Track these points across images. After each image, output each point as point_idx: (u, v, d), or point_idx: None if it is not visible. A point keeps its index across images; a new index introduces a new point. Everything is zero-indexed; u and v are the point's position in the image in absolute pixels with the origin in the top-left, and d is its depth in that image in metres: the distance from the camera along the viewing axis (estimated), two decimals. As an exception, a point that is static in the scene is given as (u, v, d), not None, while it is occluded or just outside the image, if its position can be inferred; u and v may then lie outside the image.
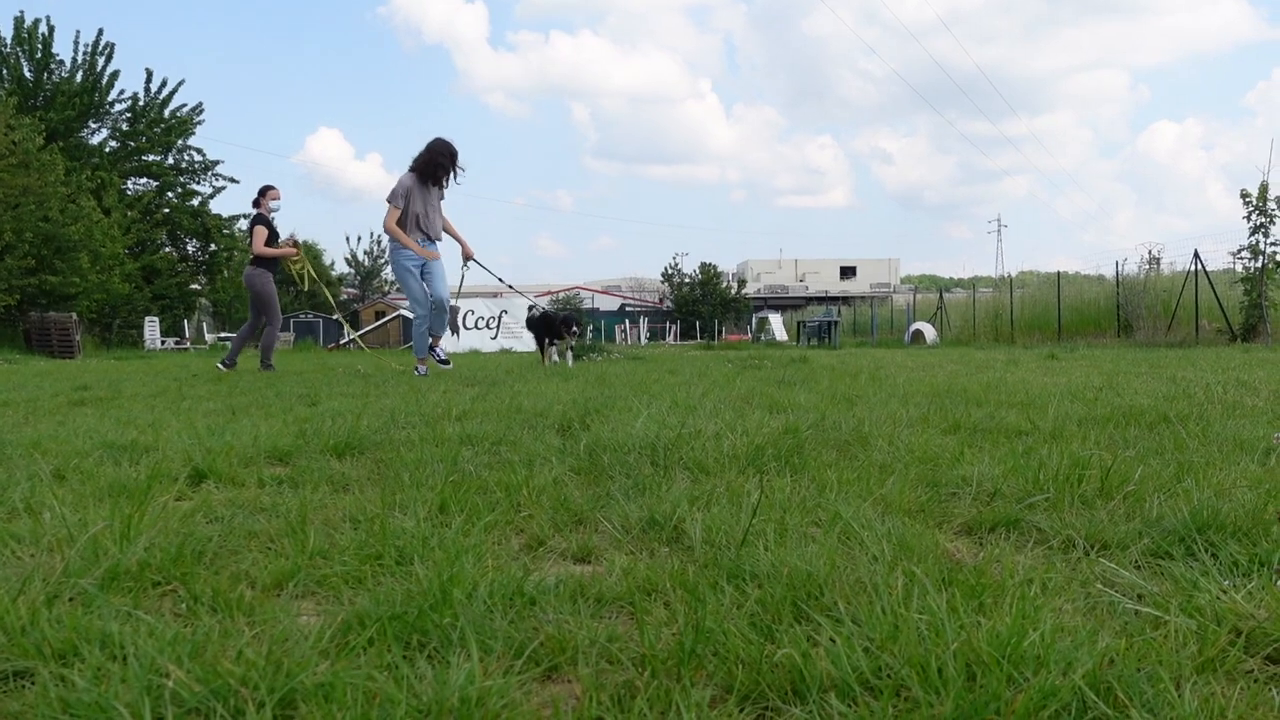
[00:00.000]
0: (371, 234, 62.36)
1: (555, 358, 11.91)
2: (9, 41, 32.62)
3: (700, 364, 11.57)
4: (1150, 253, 26.63)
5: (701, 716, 1.33)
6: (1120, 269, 25.95)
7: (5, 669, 1.49)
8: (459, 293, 11.96)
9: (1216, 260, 23.48)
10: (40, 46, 32.84)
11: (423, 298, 9.91)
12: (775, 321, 44.97)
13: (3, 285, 24.44)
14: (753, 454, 3.33)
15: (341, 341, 32.11)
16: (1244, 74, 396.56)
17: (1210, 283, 22.27)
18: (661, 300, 71.34)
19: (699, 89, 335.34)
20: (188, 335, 33.85)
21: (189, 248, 38.04)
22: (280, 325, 12.18)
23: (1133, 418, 4.34)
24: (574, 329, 11.77)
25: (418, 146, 9.98)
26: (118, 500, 2.66)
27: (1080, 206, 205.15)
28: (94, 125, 34.91)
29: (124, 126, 35.33)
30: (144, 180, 36.47)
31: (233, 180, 38.11)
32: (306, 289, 13.12)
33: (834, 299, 66.22)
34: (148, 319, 31.46)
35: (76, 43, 33.71)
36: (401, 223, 9.75)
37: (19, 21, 32.61)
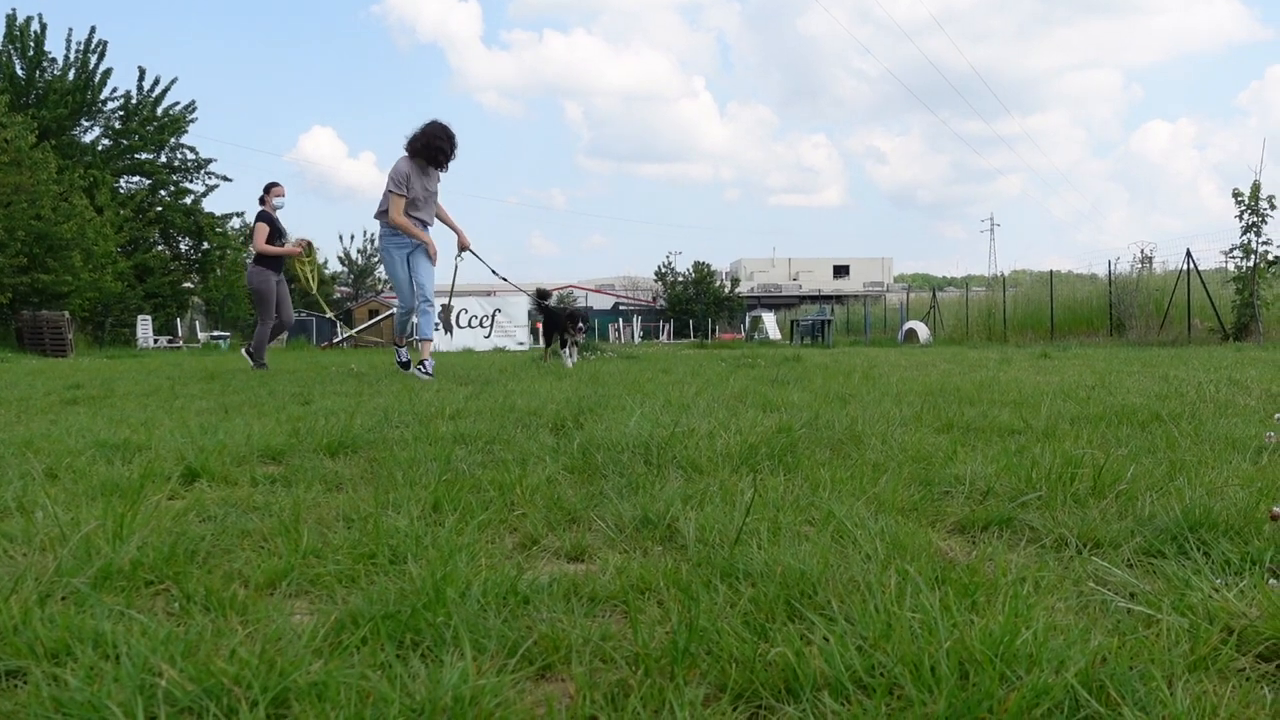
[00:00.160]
0: (365, 232, 62.20)
1: (563, 356, 11.39)
2: (1, 39, 32.51)
3: (694, 363, 11.57)
4: (1143, 252, 26.71)
5: (695, 715, 1.33)
6: (1113, 268, 26.02)
7: (-3, 668, 1.48)
8: (452, 289, 11.72)
9: (1209, 259, 23.63)
10: (32, 44, 32.73)
11: (408, 287, 9.33)
12: (769, 320, 44.95)
13: (-6, 284, 24.39)
14: (746, 453, 3.33)
15: (335, 340, 32.06)
16: (1237, 74, 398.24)
17: (1203, 282, 22.31)
18: (655, 299, 71.31)
19: (692, 87, 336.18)
20: (180, 334, 33.76)
21: (182, 246, 37.92)
22: (272, 323, 11.89)
23: (1125, 416, 4.35)
24: (579, 324, 11.15)
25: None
26: (110, 499, 2.65)
27: (1073, 206, 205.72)
28: (86, 123, 34.80)
29: (116, 125, 35.22)
30: (136, 178, 36.36)
31: (225, 179, 38.01)
32: (314, 290, 12.96)
33: (827, 298, 66.31)
34: (140, 318, 31.38)
35: (69, 40, 33.61)
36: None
37: (11, 19, 32.49)
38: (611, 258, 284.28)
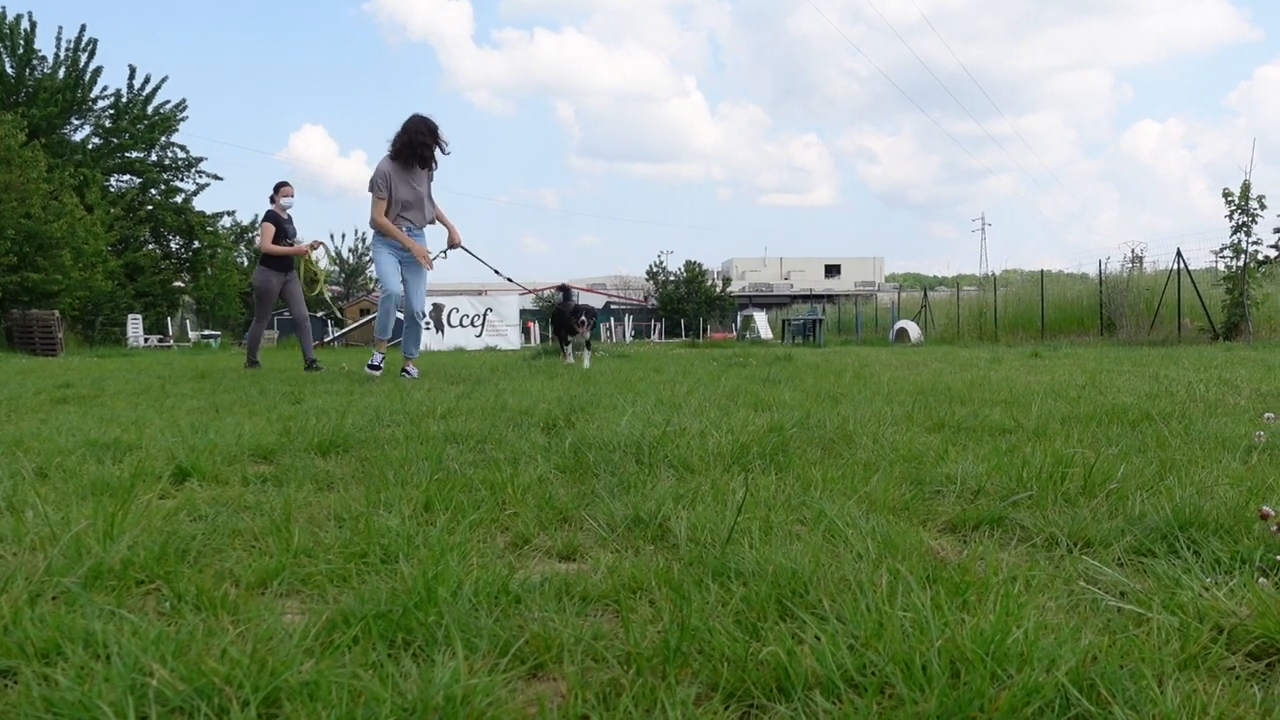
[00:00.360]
0: (356, 231, 62.05)
1: (567, 354, 11.00)
2: (-10, 37, 32.44)
3: (685, 362, 11.57)
4: (1133, 251, 26.77)
5: (687, 714, 1.33)
6: (1103, 268, 26.06)
7: (-13, 668, 1.48)
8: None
9: (1199, 259, 23.62)
10: (22, 42, 32.62)
11: (394, 277, 8.83)
12: (760, 319, 45.00)
13: (-16, 282, 24.32)
14: (738, 452, 3.33)
15: (326, 339, 32.00)
16: (1226, 74, 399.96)
17: (1193, 281, 22.37)
18: (646, 298, 71.25)
19: (684, 87, 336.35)
20: (171, 333, 33.70)
21: (172, 245, 37.88)
22: (266, 324, 11.82)
23: (1115, 416, 4.36)
24: (582, 319, 10.70)
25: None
26: (101, 498, 2.64)
27: (1064, 205, 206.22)
28: (76, 122, 34.73)
29: (107, 123, 35.15)
30: (127, 177, 36.31)
31: (216, 177, 37.99)
32: (316, 292, 12.87)
33: (819, 297, 66.26)
34: (131, 316, 31.31)
35: (59, 39, 33.54)
36: (386, 212, 8.69)
37: (0, 18, 32.39)
38: (603, 257, 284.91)
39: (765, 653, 1.46)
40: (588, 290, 75.29)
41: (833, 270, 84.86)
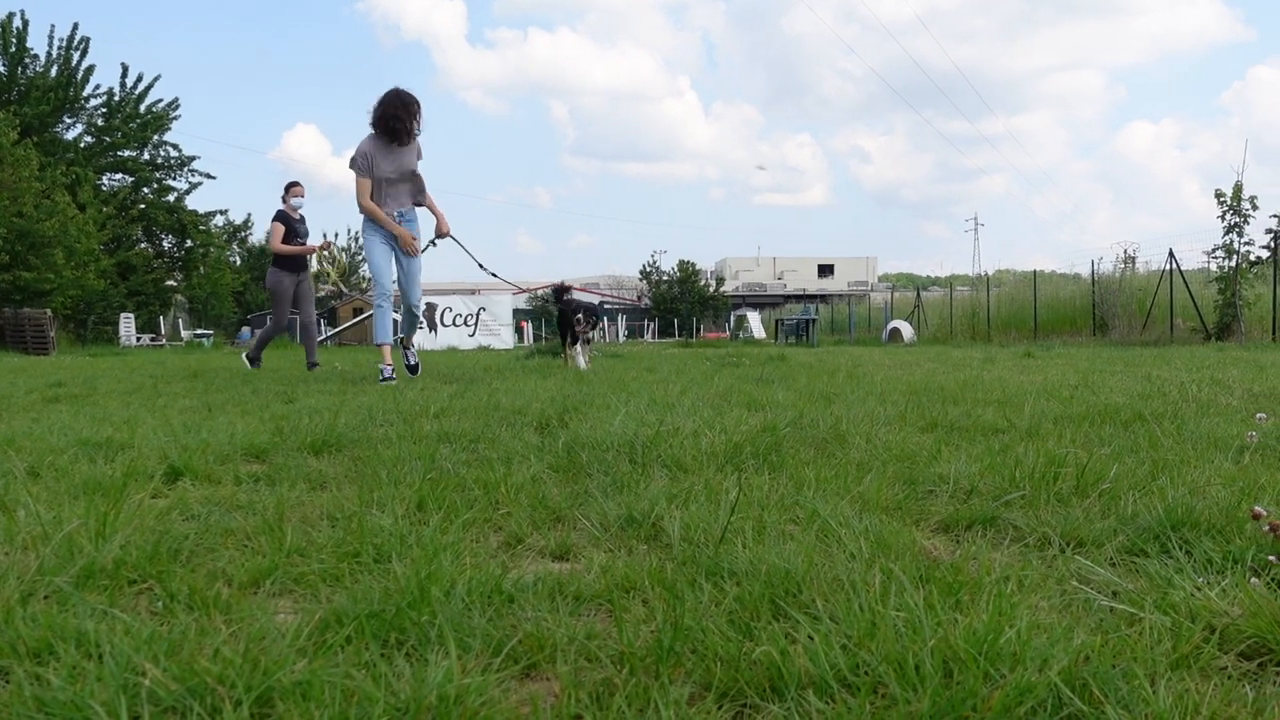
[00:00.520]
0: (349, 230, 61.98)
1: (579, 359, 10.09)
2: (-18, 36, 32.36)
3: (678, 361, 11.57)
4: (1126, 252, 26.79)
5: (680, 714, 1.33)
6: (1096, 268, 26.11)
7: (-21, 668, 1.47)
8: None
9: (1191, 259, 23.72)
10: (14, 41, 32.58)
11: (385, 271, 8.37)
12: (753, 319, 45.03)
13: (-24, 281, 24.25)
14: (731, 452, 3.33)
15: (320, 338, 31.90)
16: (1219, 74, 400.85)
17: (1185, 282, 22.42)
18: (640, 298, 71.28)
19: (678, 86, 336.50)
20: (163, 332, 33.63)
21: (165, 244, 37.83)
22: (283, 325, 11.70)
23: (1108, 416, 4.37)
24: (578, 317, 10.02)
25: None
26: (93, 498, 2.64)
27: (1057, 206, 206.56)
28: (69, 120, 34.70)
29: (99, 122, 35.11)
30: (119, 176, 36.26)
31: (209, 176, 37.96)
32: (326, 291, 12.82)
33: (812, 297, 66.27)
34: (123, 315, 31.27)
35: (51, 37, 33.52)
36: (372, 194, 8.22)
37: (-9, 16, 32.36)
38: (596, 256, 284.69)
39: (758, 652, 1.46)
40: (581, 290, 75.20)
41: (826, 270, 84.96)
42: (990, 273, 42.10)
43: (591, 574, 1.95)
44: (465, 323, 29.79)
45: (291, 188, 11.58)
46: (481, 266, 9.56)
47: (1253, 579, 1.79)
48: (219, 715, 1.29)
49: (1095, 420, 4.24)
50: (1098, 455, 3.10)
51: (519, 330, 33.30)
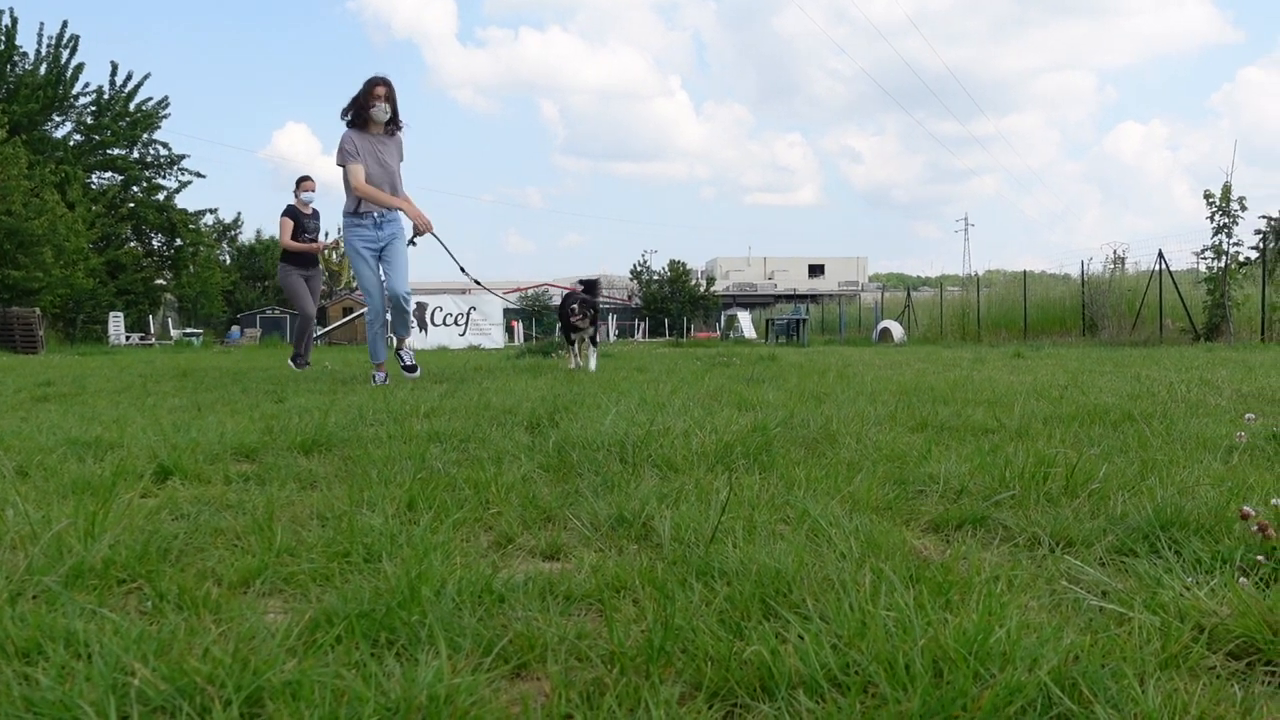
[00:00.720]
0: (340, 229, 61.85)
1: (578, 360, 9.52)
2: (-30, 35, 32.22)
3: (669, 361, 11.58)
4: (1115, 252, 26.89)
5: (670, 713, 1.33)
6: (1085, 268, 26.18)
7: (-33, 668, 1.47)
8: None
9: (1180, 260, 23.77)
10: (3, 38, 32.44)
11: (376, 288, 8.03)
12: (744, 319, 45.03)
13: (-36, 280, 24.15)
14: (721, 451, 3.33)
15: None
16: (1209, 76, 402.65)
17: (1174, 282, 22.49)
18: (630, 297, 71.24)
19: (668, 86, 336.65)
20: (153, 331, 33.52)
21: (154, 243, 37.71)
22: (307, 319, 11.37)
23: (1097, 416, 4.38)
24: (573, 307, 9.22)
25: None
26: (82, 497, 2.63)
27: (1047, 206, 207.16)
28: (58, 118, 34.55)
29: (88, 120, 34.98)
30: (109, 174, 36.14)
31: (199, 175, 37.86)
32: (342, 285, 12.70)
33: (802, 297, 66.36)
34: (112, 314, 31.14)
35: (40, 35, 33.41)
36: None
37: (-20, 13, 32.21)
38: (587, 256, 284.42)
39: (749, 652, 1.46)
40: (572, 289, 75.15)
41: (816, 270, 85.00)
42: (980, 273, 42.21)
43: (582, 574, 1.95)
44: (456, 322, 29.76)
45: (302, 182, 11.38)
46: (463, 270, 9.09)
47: (1241, 579, 1.80)
48: (208, 715, 1.29)
49: (1085, 420, 4.25)
50: (1087, 455, 3.10)
51: (509, 329, 33.26)
